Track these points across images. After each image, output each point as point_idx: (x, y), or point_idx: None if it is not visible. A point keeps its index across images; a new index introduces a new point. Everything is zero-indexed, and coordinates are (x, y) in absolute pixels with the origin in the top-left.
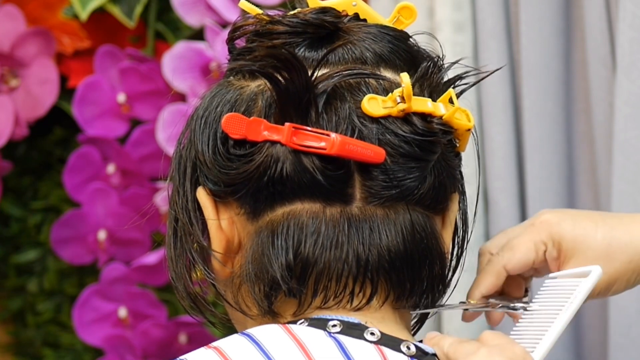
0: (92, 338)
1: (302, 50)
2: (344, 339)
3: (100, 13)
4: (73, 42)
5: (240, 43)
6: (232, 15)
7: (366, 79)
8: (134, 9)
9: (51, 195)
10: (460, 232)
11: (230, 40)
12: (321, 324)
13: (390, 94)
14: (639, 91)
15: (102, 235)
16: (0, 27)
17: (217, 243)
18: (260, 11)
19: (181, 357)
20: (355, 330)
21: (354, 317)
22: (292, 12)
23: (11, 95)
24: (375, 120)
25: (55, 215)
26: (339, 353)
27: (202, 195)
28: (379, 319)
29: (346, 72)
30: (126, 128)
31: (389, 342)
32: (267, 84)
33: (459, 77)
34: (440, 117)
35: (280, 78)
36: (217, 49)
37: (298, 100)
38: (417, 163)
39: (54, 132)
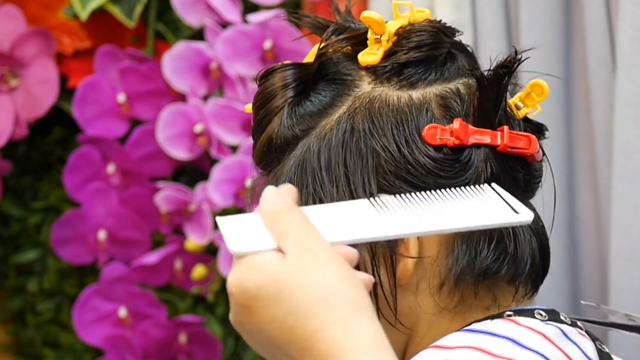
0: (92, 338)
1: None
2: (557, 325)
3: (100, 13)
4: (73, 42)
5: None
6: (232, 15)
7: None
8: (134, 9)
9: (51, 195)
10: None
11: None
12: (529, 314)
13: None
14: (639, 91)
15: (102, 235)
16: (0, 27)
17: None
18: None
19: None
20: (554, 315)
21: (526, 306)
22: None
23: (11, 95)
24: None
25: (55, 215)
26: (565, 338)
27: None
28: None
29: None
30: (126, 128)
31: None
32: (464, 88)
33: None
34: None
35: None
36: (217, 49)
37: (495, 101)
38: None
39: (54, 132)
